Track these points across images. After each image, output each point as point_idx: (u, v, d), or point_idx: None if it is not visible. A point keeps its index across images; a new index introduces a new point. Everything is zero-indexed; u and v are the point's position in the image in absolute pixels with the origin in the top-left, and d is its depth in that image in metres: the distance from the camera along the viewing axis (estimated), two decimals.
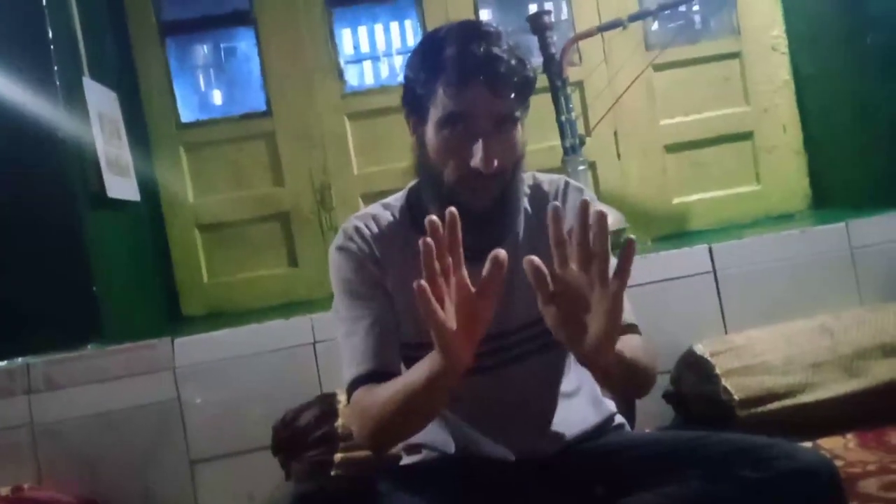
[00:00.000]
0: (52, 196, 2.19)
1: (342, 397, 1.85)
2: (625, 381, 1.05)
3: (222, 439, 1.97)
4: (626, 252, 0.85)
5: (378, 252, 1.17)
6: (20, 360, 2.02)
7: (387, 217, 1.20)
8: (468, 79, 1.03)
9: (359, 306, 1.14)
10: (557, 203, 0.92)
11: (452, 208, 0.90)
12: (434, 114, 1.07)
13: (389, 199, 1.24)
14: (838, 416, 1.82)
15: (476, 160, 1.04)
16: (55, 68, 2.19)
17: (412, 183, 1.22)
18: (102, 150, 2.28)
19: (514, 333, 1.18)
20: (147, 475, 1.95)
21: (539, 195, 1.23)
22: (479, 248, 1.12)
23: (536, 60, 2.60)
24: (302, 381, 2.00)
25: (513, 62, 1.05)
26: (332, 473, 1.75)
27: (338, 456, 1.76)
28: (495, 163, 1.05)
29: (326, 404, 1.84)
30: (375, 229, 1.18)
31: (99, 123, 2.29)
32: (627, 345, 1.03)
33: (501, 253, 0.89)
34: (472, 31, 1.08)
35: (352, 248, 1.16)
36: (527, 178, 1.24)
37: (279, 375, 2.00)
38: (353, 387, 1.12)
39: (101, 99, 2.37)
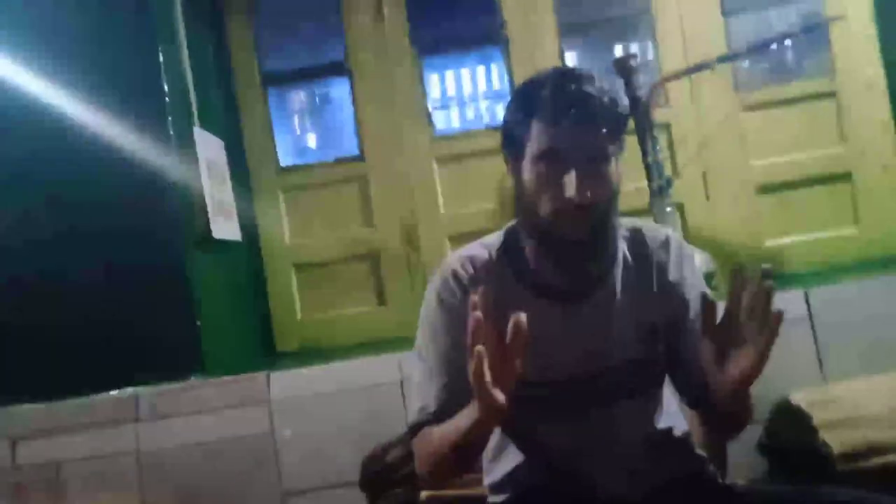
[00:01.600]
0: (163, 236, 2.36)
1: None
2: (741, 415, 1.10)
3: (313, 473, 2.03)
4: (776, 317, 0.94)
5: (471, 293, 1.20)
6: (129, 389, 2.16)
7: (484, 257, 1.23)
8: (561, 115, 1.09)
9: (441, 361, 1.17)
10: (708, 293, 1.03)
11: (522, 317, 0.94)
12: (530, 150, 1.12)
13: (488, 239, 1.27)
14: None
15: (569, 190, 1.07)
16: (169, 119, 2.38)
17: (511, 223, 1.26)
18: (209, 193, 2.44)
19: (607, 375, 1.19)
20: None
21: (639, 241, 1.24)
22: (571, 288, 1.16)
23: (623, 102, 2.62)
24: (389, 417, 2.05)
25: (604, 100, 1.10)
26: None
27: (424, 494, 1.79)
28: (588, 193, 1.08)
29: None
30: (472, 271, 1.21)
31: (207, 169, 2.45)
32: None
33: (522, 318, 0.93)
34: (565, 73, 1.14)
35: (446, 298, 1.19)
36: (626, 222, 1.25)
37: (368, 412, 2.06)
38: (414, 430, 1.17)
39: (209, 146, 2.54)
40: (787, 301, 2.08)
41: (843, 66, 2.84)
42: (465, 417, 1.02)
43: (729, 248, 2.76)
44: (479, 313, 0.94)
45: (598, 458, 1.19)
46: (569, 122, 1.08)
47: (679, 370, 1.21)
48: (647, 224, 1.27)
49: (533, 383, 1.09)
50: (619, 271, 1.20)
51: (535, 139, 1.11)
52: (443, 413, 1.13)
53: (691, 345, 1.17)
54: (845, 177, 2.81)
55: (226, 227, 2.53)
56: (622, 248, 1.21)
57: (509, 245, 1.22)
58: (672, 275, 1.20)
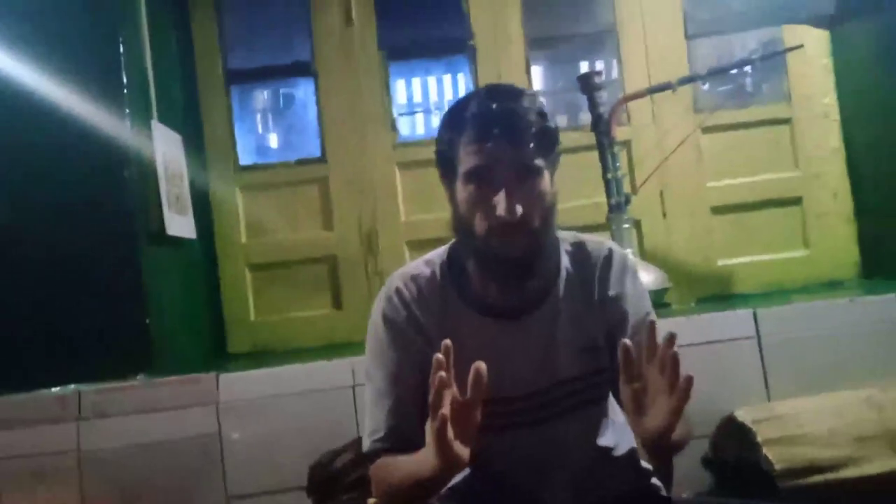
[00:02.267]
0: (114, 230, 2.30)
1: None
2: (667, 451, 1.08)
3: (260, 477, 2.00)
4: (685, 381, 0.92)
5: (417, 313, 1.19)
6: (72, 386, 2.10)
7: (427, 275, 1.21)
8: (486, 133, 1.08)
9: (389, 381, 1.17)
10: (627, 342, 0.97)
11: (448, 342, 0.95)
12: (461, 166, 1.11)
13: (431, 255, 1.25)
14: (884, 492, 1.77)
15: (500, 209, 1.06)
16: (127, 111, 2.32)
17: (454, 240, 1.26)
18: (165, 189, 2.39)
19: (553, 390, 1.19)
20: None
21: (582, 255, 1.24)
22: (514, 305, 1.15)
23: (585, 118, 2.66)
24: (340, 422, 2.03)
25: (530, 116, 1.09)
26: None
27: (371, 501, 1.77)
28: (519, 210, 1.07)
29: (362, 449, 1.86)
30: (415, 290, 1.20)
31: (163, 164, 2.41)
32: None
33: (482, 366, 0.94)
34: (490, 91, 1.14)
35: (391, 317, 1.19)
36: (569, 236, 1.25)
37: (318, 416, 2.04)
38: (369, 456, 1.17)
39: (167, 141, 2.49)
40: (736, 320, 2.12)
41: (799, 94, 2.93)
42: (426, 464, 1.00)
43: (683, 265, 2.81)
44: (443, 373, 0.93)
45: (542, 473, 1.19)
46: (493, 140, 1.07)
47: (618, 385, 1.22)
48: (589, 238, 1.26)
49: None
50: (561, 286, 1.20)
51: (463, 159, 1.09)
52: (393, 437, 1.14)
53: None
54: (797, 201, 2.89)
55: (181, 224, 2.49)
56: (564, 262, 1.21)
57: (453, 262, 1.21)
58: (613, 289, 1.20)
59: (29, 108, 2.23)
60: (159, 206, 2.37)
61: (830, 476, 1.79)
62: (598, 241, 1.26)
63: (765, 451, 1.84)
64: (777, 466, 1.81)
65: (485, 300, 1.16)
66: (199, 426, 2.05)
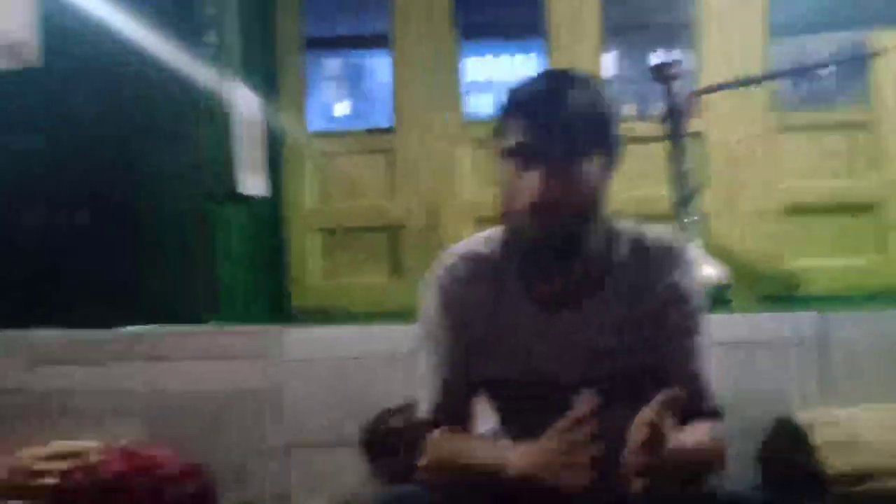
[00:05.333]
0: (190, 183, 2.38)
1: None
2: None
3: (315, 429, 2.06)
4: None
5: (470, 291, 1.18)
6: (144, 327, 2.19)
7: (485, 252, 1.20)
8: (532, 112, 1.08)
9: (439, 352, 1.19)
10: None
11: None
12: (505, 144, 1.10)
13: (492, 232, 1.23)
14: None
15: (533, 190, 1.05)
16: (210, 68, 2.39)
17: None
18: (240, 148, 2.46)
19: (592, 384, 1.16)
20: (243, 453, 2.06)
21: (640, 248, 1.19)
22: (563, 292, 1.14)
23: (655, 110, 2.63)
24: (395, 387, 2.07)
25: (584, 101, 1.08)
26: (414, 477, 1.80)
27: (421, 462, 1.82)
28: (555, 193, 1.05)
29: (415, 412, 1.90)
30: (472, 266, 1.19)
31: (241, 123, 2.47)
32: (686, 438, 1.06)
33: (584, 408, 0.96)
34: (549, 73, 1.17)
35: (443, 292, 1.19)
36: (629, 228, 1.21)
37: (376, 377, 2.09)
38: (425, 426, 1.20)
39: (245, 101, 2.56)
40: (801, 321, 2.09)
41: (880, 98, 2.85)
42: (498, 457, 1.03)
43: (748, 263, 2.77)
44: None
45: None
46: (538, 120, 1.06)
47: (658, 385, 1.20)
48: (652, 230, 1.22)
49: (522, 384, 1.11)
50: (616, 277, 1.17)
51: (508, 136, 1.09)
52: (448, 409, 1.17)
53: (670, 359, 1.18)
54: (871, 207, 2.82)
55: (253, 183, 2.56)
56: (622, 252, 1.18)
57: (511, 243, 1.19)
58: (668, 285, 1.17)
59: (115, 55, 2.30)
60: (233, 164, 2.43)
61: (885, 485, 1.76)
62: (661, 235, 1.22)
63: (820, 453, 1.82)
64: (832, 471, 1.79)
65: (535, 284, 1.16)
66: (262, 377, 2.12)
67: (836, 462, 1.80)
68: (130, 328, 2.20)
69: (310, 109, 3.08)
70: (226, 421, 2.09)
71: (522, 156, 1.08)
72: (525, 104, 1.09)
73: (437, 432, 1.17)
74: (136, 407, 2.08)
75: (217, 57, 2.46)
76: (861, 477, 1.77)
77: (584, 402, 0.96)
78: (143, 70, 2.31)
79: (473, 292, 1.19)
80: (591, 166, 1.08)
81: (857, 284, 2.77)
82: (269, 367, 2.10)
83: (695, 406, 1.15)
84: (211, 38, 2.43)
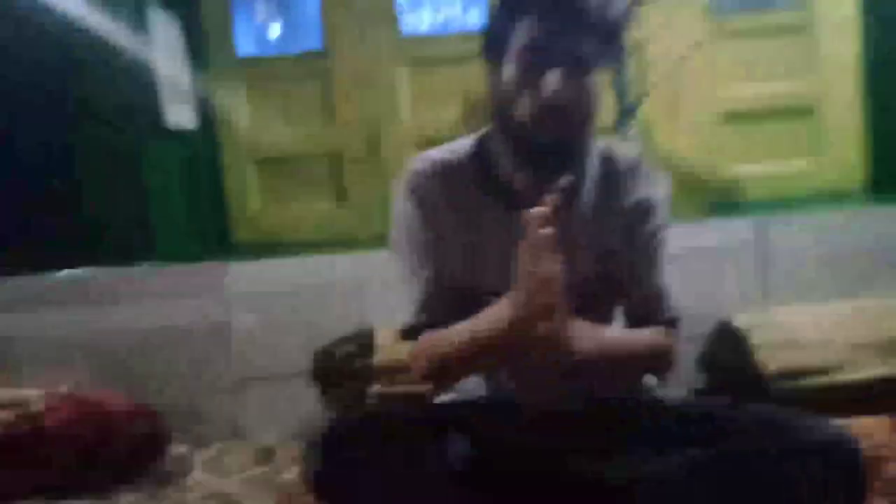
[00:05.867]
0: (112, 120, 2.27)
1: (382, 333, 1.91)
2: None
3: (265, 363, 2.05)
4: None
5: (441, 198, 1.19)
6: (79, 271, 2.11)
7: (453, 163, 1.21)
8: (551, 12, 1.05)
9: (419, 255, 1.18)
10: None
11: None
12: (515, 44, 1.08)
13: (456, 145, 1.24)
14: (873, 398, 1.82)
15: (548, 89, 1.04)
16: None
17: (481, 131, 1.24)
18: (163, 78, 2.33)
19: (568, 288, 1.19)
20: (193, 392, 2.05)
21: (610, 162, 1.22)
22: (540, 199, 1.14)
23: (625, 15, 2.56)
24: (343, 315, 2.07)
25: (602, 10, 1.06)
26: (367, 404, 1.82)
27: (374, 389, 1.83)
28: (567, 95, 1.05)
29: (366, 339, 1.91)
30: (441, 174, 1.19)
31: (162, 53, 2.34)
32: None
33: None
34: None
35: (417, 194, 1.18)
36: (599, 144, 1.24)
37: (322, 308, 2.07)
38: (411, 332, 1.19)
39: (164, 28, 2.41)
40: (738, 228, 2.13)
41: (818, 2, 2.83)
42: (497, 318, 1.04)
43: (690, 172, 2.79)
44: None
45: (540, 373, 1.20)
46: (557, 21, 1.05)
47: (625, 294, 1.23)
48: (618, 145, 1.26)
49: (493, 292, 1.11)
50: (588, 188, 1.19)
51: (525, 31, 1.07)
52: (433, 309, 1.16)
53: (635, 271, 1.20)
54: (809, 111, 2.84)
55: (180, 114, 2.44)
56: (593, 166, 1.20)
57: (479, 153, 1.20)
58: (637, 197, 1.20)
59: None
60: (157, 95, 2.31)
61: (822, 380, 1.84)
62: (627, 151, 1.26)
63: (758, 354, 1.88)
64: (769, 369, 1.86)
65: (512, 193, 1.15)
66: (207, 313, 2.09)
67: (773, 361, 1.87)
68: (65, 272, 2.12)
69: (240, 34, 2.92)
70: (173, 361, 2.06)
71: (536, 58, 1.06)
72: (539, 4, 1.06)
73: (423, 337, 1.17)
74: (78, 353, 2.04)
75: None
76: (797, 374, 1.85)
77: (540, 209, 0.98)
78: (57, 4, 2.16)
79: (445, 196, 1.18)
80: (597, 76, 1.08)
81: (796, 188, 2.82)
82: (211, 304, 2.06)
83: (654, 315, 1.19)
84: None
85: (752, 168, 2.84)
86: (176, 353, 2.06)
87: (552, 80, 1.05)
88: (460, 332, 1.11)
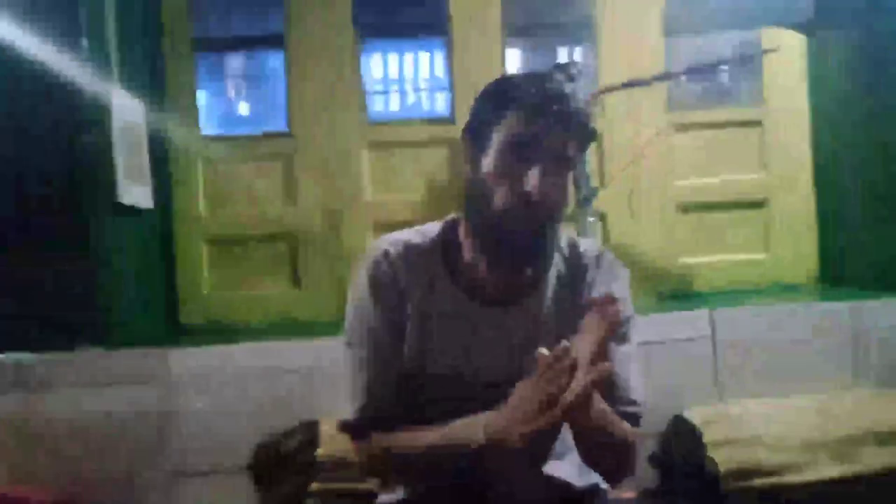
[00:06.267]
0: (66, 196, 2.23)
1: (326, 427, 1.85)
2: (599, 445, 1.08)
3: (205, 455, 1.97)
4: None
5: (403, 281, 1.17)
6: (14, 355, 2.04)
7: (419, 245, 1.20)
8: (541, 108, 1.08)
9: (371, 345, 1.15)
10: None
11: None
12: (499, 138, 1.10)
13: (425, 227, 1.23)
14: (827, 499, 1.79)
15: (531, 184, 1.05)
16: (85, 75, 2.24)
17: (450, 217, 1.23)
18: (121, 156, 2.32)
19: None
20: (129, 484, 1.95)
21: (574, 254, 1.23)
22: (503, 291, 1.14)
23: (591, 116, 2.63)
24: (290, 404, 2.01)
25: (582, 107, 1.12)
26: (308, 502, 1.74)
27: (315, 486, 1.76)
28: (546, 192, 1.06)
29: (309, 432, 1.84)
30: (405, 256, 1.18)
31: (121, 131, 2.33)
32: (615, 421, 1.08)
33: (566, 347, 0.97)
34: (546, 75, 1.16)
35: (376, 279, 1.16)
36: (566, 238, 1.24)
37: (271, 397, 2.01)
38: (359, 427, 1.15)
39: (126, 107, 2.42)
40: (692, 319, 2.13)
41: (772, 97, 2.93)
42: (468, 434, 1.02)
43: (647, 262, 2.81)
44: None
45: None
46: (547, 117, 1.07)
47: None
48: (582, 239, 1.27)
49: (450, 382, 1.10)
50: (551, 282, 1.19)
51: (509, 125, 1.09)
52: (381, 406, 1.13)
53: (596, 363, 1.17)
54: (763, 203, 2.90)
55: (137, 193, 2.42)
56: (557, 258, 1.20)
57: (446, 238, 1.20)
58: (599, 292, 1.17)
59: None
60: (114, 173, 2.29)
61: (775, 480, 1.81)
62: (591, 243, 1.26)
63: (711, 452, 1.85)
64: (722, 468, 1.82)
65: (475, 282, 1.14)
66: (147, 402, 2.01)
67: (727, 461, 1.83)
68: (4, 356, 2.04)
69: (211, 113, 2.94)
70: (109, 451, 1.97)
71: (521, 151, 1.08)
72: (533, 98, 1.09)
73: (376, 435, 1.13)
74: (11, 441, 1.94)
75: (95, 61, 2.31)
76: (751, 474, 1.81)
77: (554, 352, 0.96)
78: (16, 76, 2.15)
79: (407, 280, 1.16)
80: (572, 173, 1.11)
81: (748, 279, 2.85)
82: (154, 392, 1.99)
83: (617, 414, 1.16)
84: (85, 42, 2.27)
85: (706, 259, 2.87)
86: (113, 444, 1.97)
87: (534, 176, 1.06)
88: (424, 437, 1.08)
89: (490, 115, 1.12)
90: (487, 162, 1.11)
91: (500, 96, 1.13)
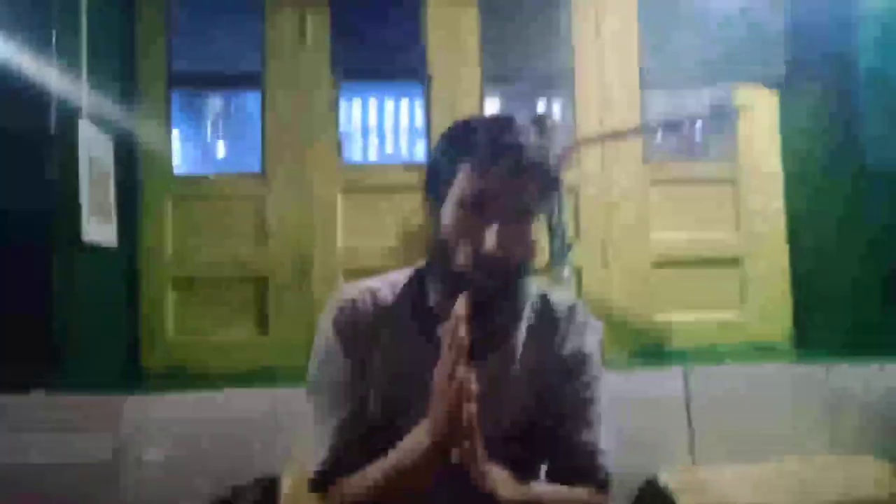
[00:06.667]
0: (27, 232, 2.15)
1: (285, 482, 1.78)
2: None
3: None
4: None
5: (370, 330, 1.14)
6: None
7: (387, 294, 1.17)
8: (492, 163, 1.05)
9: (336, 395, 1.12)
10: None
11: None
12: (454, 194, 1.07)
13: (391, 277, 1.21)
14: None
15: (489, 243, 1.03)
16: (52, 108, 2.19)
17: (418, 264, 1.20)
18: (86, 193, 2.26)
19: (493, 437, 1.13)
20: None
21: (545, 308, 1.20)
22: (471, 344, 1.10)
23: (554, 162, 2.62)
24: (250, 456, 1.94)
25: (542, 158, 1.07)
26: None
27: None
28: (507, 248, 1.05)
29: (267, 489, 1.77)
30: (371, 306, 1.15)
31: (88, 166, 2.27)
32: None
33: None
34: (502, 122, 1.11)
35: (342, 327, 1.14)
36: (539, 291, 1.21)
37: (231, 447, 1.94)
38: (322, 479, 1.11)
39: (94, 142, 2.36)
40: (666, 377, 2.10)
41: (745, 154, 2.96)
42: (414, 445, 1.00)
43: (620, 317, 2.79)
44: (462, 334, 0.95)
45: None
46: (499, 172, 1.04)
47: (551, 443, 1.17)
48: (558, 294, 1.24)
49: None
50: (521, 334, 1.16)
51: (462, 184, 1.06)
52: (344, 459, 1.09)
53: (564, 424, 1.14)
54: (736, 261, 2.90)
55: (101, 231, 2.34)
56: (528, 311, 1.18)
57: (413, 287, 1.17)
58: (572, 348, 1.17)
59: None
60: (78, 210, 2.23)
61: None
62: (564, 296, 1.23)
63: None
64: None
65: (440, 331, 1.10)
66: (100, 449, 1.92)
67: None
68: None
69: (181, 152, 2.88)
70: (56, 501, 1.86)
71: (477, 208, 1.05)
72: (487, 151, 1.06)
73: (338, 484, 1.09)
74: None
75: (63, 93, 2.25)
76: None
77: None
78: None
79: (373, 328, 1.14)
80: (536, 224, 1.10)
81: (722, 338, 2.84)
82: (107, 439, 1.90)
83: (582, 473, 1.13)
84: (54, 71, 2.22)
85: (680, 316, 2.86)
86: (61, 494, 1.87)
87: (492, 235, 1.03)
88: (378, 468, 1.06)
89: (444, 167, 1.10)
90: (447, 216, 1.08)
91: (453, 147, 1.11)
